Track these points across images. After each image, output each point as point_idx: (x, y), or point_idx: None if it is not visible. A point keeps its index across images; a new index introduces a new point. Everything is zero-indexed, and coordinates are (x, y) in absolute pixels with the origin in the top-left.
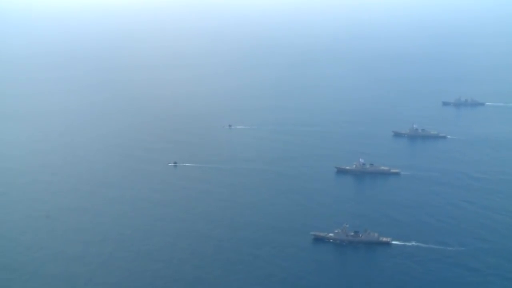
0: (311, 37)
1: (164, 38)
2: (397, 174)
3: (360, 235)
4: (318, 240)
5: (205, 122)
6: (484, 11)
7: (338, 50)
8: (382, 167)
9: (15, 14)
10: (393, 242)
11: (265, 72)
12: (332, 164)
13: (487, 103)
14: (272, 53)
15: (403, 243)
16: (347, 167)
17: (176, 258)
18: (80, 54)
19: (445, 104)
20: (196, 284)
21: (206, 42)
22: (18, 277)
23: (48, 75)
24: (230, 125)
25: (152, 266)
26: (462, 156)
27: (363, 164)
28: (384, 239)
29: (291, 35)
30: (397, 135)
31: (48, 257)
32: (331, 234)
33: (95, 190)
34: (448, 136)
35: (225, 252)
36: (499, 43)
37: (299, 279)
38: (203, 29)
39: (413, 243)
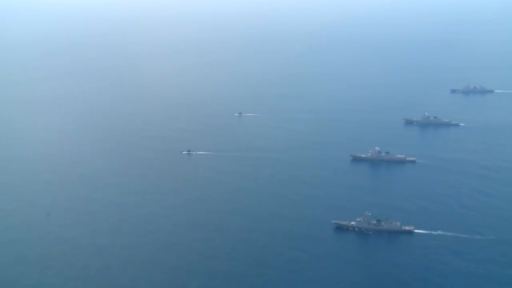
0: (320, 24)
1: (173, 25)
2: (413, 162)
3: (383, 224)
4: (339, 228)
5: (214, 110)
6: None
7: (347, 37)
8: (398, 155)
9: (22, 4)
10: (416, 231)
11: (273, 59)
12: (345, 152)
13: (496, 90)
14: (281, 40)
15: (428, 232)
16: (363, 155)
17: (199, 250)
18: (88, 41)
19: (453, 91)
20: (225, 276)
21: (215, 29)
22: (52, 268)
23: (56, 61)
24: (240, 113)
25: (177, 258)
26: (477, 144)
27: (379, 152)
28: (407, 227)
29: (301, 22)
30: (408, 122)
31: (79, 249)
32: (353, 223)
33: (113, 181)
34: (461, 124)
35: (247, 243)
36: (508, 30)
37: (324, 267)
38: (213, 16)
39: (439, 232)
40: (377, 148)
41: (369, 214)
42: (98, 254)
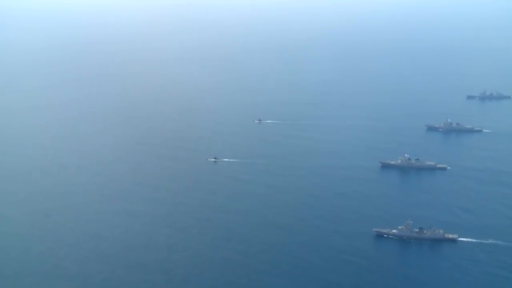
0: (338, 31)
1: (189, 31)
2: (443, 169)
3: (425, 232)
4: (380, 236)
5: (232, 117)
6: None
7: (362, 43)
8: (428, 162)
9: (20, 11)
10: (460, 239)
11: (291, 65)
12: (372, 159)
13: None
14: (299, 47)
15: (478, 241)
16: (392, 162)
17: (233, 262)
18: (97, 48)
19: (469, 98)
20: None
21: (235, 35)
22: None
23: (66, 68)
24: (259, 120)
25: (209, 269)
26: (506, 151)
27: (409, 159)
28: (450, 235)
29: (320, 29)
30: (430, 129)
31: (113, 263)
32: (394, 231)
33: (145, 192)
34: (484, 130)
35: (291, 256)
36: None
37: (369, 274)
38: (230, 21)
39: (491, 240)
40: (407, 155)
41: (411, 222)
42: (136, 269)
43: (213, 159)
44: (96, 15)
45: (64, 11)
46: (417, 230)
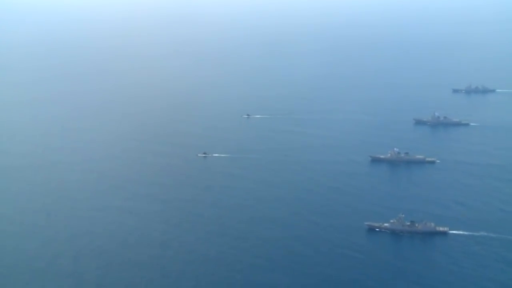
0: (325, 26)
1: (180, 26)
2: (432, 162)
3: (417, 225)
4: (372, 230)
5: (220, 112)
6: None
7: (348, 38)
8: (418, 156)
9: (12, 5)
10: (451, 232)
11: (278, 60)
12: (362, 153)
13: (498, 90)
14: (288, 42)
15: (471, 233)
16: (382, 156)
17: (227, 257)
18: (88, 43)
19: (455, 91)
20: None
21: (225, 30)
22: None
23: (57, 63)
24: (248, 115)
25: (203, 264)
26: (493, 145)
27: (398, 152)
28: (441, 228)
29: (308, 24)
30: (418, 122)
31: (108, 261)
32: (386, 224)
33: (137, 188)
34: (471, 124)
35: (281, 250)
36: (507, 29)
37: (364, 267)
38: (223, 17)
39: (482, 233)
40: (396, 149)
41: (403, 215)
42: (130, 265)
43: (203, 154)
44: (87, 10)
45: (56, 5)
46: (408, 223)
